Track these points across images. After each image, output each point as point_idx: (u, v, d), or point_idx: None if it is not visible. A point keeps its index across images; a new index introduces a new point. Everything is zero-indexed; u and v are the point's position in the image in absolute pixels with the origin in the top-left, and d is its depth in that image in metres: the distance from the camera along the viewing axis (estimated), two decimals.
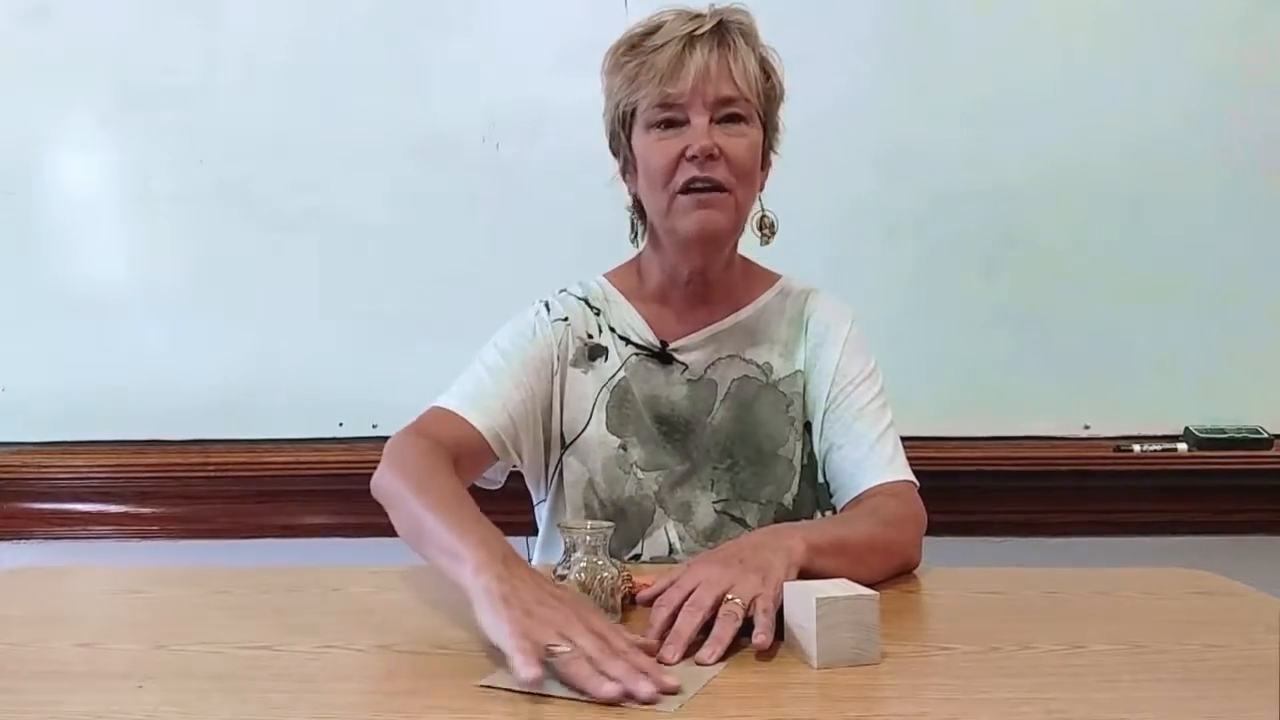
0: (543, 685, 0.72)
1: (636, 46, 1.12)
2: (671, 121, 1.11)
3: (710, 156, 1.09)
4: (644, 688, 0.71)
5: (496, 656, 0.77)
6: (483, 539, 0.87)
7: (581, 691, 0.72)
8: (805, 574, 0.91)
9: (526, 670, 0.72)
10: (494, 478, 1.21)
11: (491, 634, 0.78)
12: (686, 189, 1.11)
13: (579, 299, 1.24)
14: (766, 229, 1.20)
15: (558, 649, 0.74)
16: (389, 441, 1.09)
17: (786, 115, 1.20)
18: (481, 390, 1.15)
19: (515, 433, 1.15)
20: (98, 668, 0.81)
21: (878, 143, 1.70)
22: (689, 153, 1.09)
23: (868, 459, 1.15)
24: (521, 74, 1.70)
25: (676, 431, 1.20)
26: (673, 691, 0.72)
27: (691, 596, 0.84)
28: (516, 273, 1.66)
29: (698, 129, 1.09)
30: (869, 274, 1.68)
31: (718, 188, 1.11)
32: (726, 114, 1.11)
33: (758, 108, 1.13)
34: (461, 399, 1.14)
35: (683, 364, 1.21)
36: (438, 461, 1.04)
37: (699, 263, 1.17)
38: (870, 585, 0.83)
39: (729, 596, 0.84)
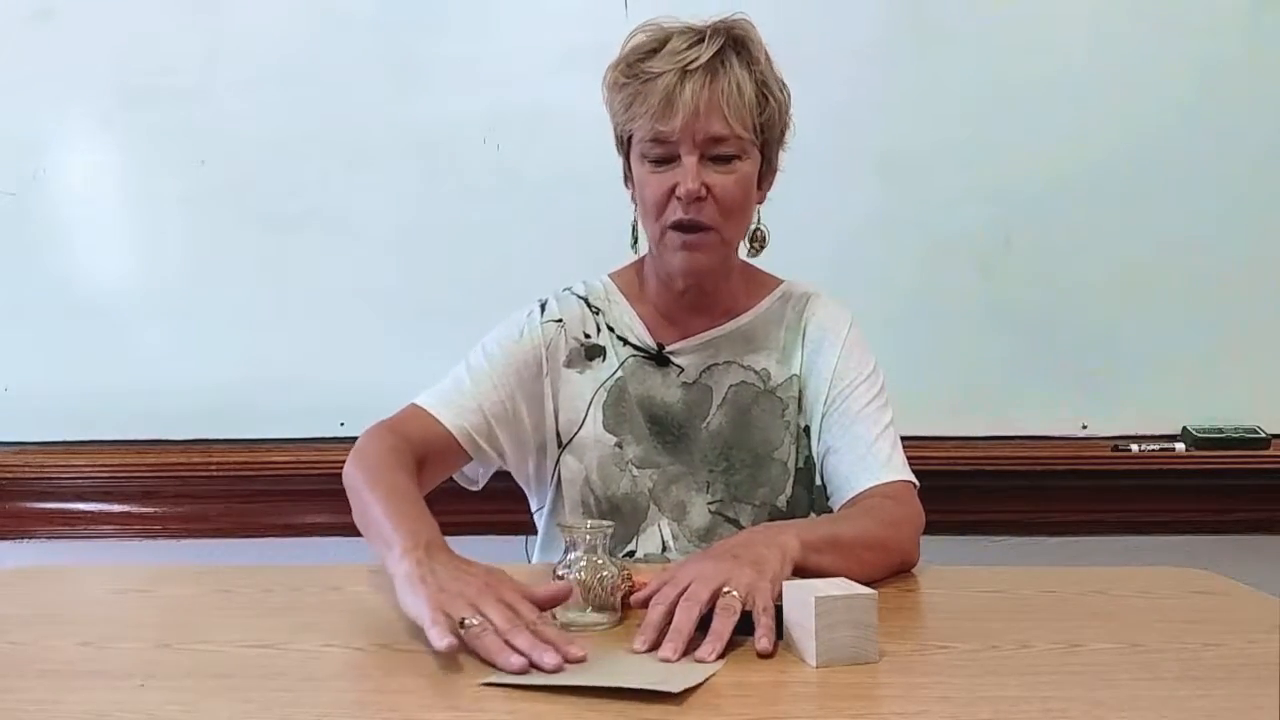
0: (458, 658, 0.76)
1: (634, 68, 1.12)
2: (664, 157, 1.12)
3: (698, 198, 1.10)
4: (548, 659, 0.75)
5: None
6: (411, 528, 0.92)
7: (491, 664, 0.76)
8: (800, 570, 0.92)
9: (440, 641, 0.76)
10: (473, 477, 1.22)
11: (409, 611, 0.83)
12: (675, 226, 1.12)
13: (580, 298, 1.25)
14: (757, 242, 1.21)
15: (469, 621, 0.78)
16: (360, 435, 1.11)
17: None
18: (459, 390, 1.17)
19: (491, 432, 1.17)
20: (100, 667, 0.81)
21: (877, 143, 1.69)
22: (677, 192, 1.10)
23: (865, 460, 1.16)
24: (521, 74, 1.70)
25: (669, 433, 1.20)
26: (578, 660, 0.76)
27: (687, 591, 0.84)
28: (516, 273, 1.66)
29: (687, 168, 1.10)
30: (868, 274, 1.68)
31: (705, 228, 1.12)
32: (717, 152, 1.11)
33: (752, 139, 1.13)
34: (437, 397, 1.17)
35: (679, 367, 1.22)
36: (395, 459, 1.07)
37: (692, 284, 1.18)
38: (868, 584, 0.83)
39: (725, 590, 0.84)
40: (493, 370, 1.18)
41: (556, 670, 0.74)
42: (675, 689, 0.71)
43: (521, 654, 0.75)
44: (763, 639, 0.81)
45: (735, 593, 0.84)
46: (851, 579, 0.84)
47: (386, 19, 1.71)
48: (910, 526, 1.11)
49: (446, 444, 1.15)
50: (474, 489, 1.23)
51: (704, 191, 1.10)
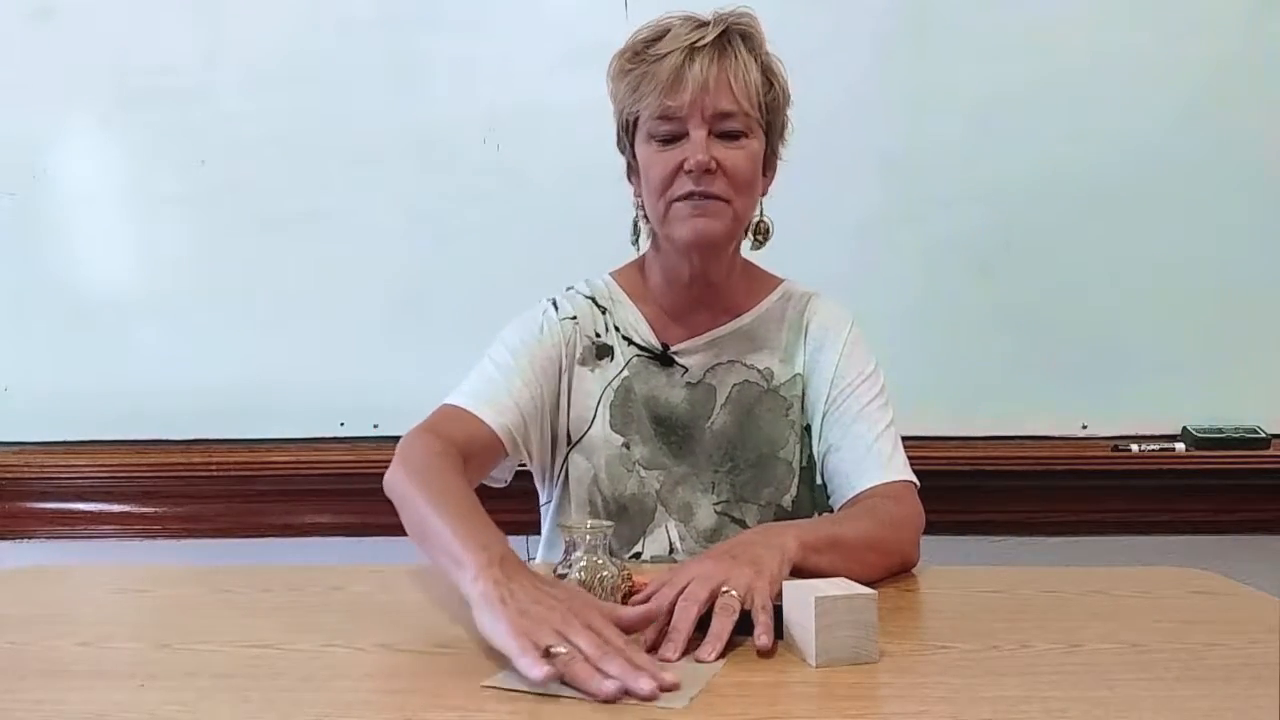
0: (548, 685, 0.73)
1: (640, 54, 1.12)
2: (672, 134, 1.11)
3: (707, 171, 1.10)
4: (643, 684, 0.71)
5: (499, 657, 0.77)
6: (482, 543, 0.87)
7: (583, 691, 0.72)
8: (799, 571, 0.92)
9: (535, 670, 0.72)
10: (501, 476, 1.21)
11: (491, 637, 0.79)
12: (684, 199, 1.12)
13: (586, 297, 1.25)
14: (760, 234, 1.21)
15: (556, 649, 0.75)
16: (401, 440, 1.08)
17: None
18: (492, 387, 1.16)
19: (525, 429, 1.16)
20: (100, 667, 0.81)
21: (878, 144, 1.70)
22: (686, 166, 1.10)
23: (865, 460, 1.16)
24: (521, 74, 1.70)
25: (674, 434, 1.20)
26: (671, 688, 0.72)
27: (685, 591, 0.84)
28: (517, 273, 1.66)
29: (696, 142, 1.10)
30: (868, 274, 1.68)
31: (715, 199, 1.11)
32: (725, 128, 1.11)
33: (758, 119, 1.13)
34: (473, 396, 1.15)
35: (683, 367, 1.22)
36: (445, 462, 1.04)
37: (697, 267, 1.18)
38: (868, 584, 0.83)
39: (724, 589, 0.84)
40: (520, 367, 1.17)
41: (652, 698, 0.71)
42: (678, 705, 0.70)
43: (615, 680, 0.72)
44: (762, 636, 0.81)
45: (734, 592, 0.84)
46: (851, 579, 0.84)
47: (386, 19, 1.71)
48: (910, 527, 1.11)
49: (489, 443, 1.12)
50: (499, 486, 1.21)
51: (713, 164, 1.10)
